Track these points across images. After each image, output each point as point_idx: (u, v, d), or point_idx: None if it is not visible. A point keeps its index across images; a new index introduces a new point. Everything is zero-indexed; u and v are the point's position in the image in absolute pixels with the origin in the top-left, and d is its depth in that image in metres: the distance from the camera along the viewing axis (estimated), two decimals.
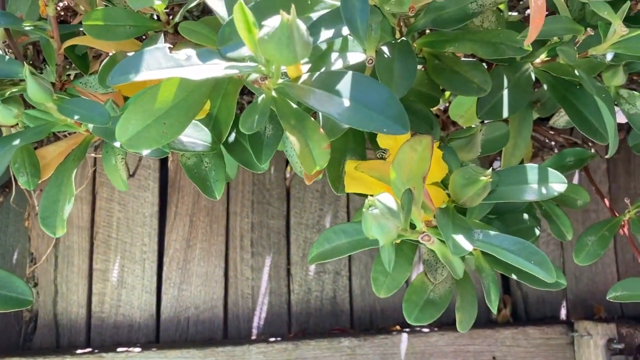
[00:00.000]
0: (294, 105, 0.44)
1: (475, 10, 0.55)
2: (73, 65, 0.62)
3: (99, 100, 0.55)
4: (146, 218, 1.17)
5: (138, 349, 1.08)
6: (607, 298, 0.63)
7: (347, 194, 1.27)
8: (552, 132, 0.84)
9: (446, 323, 1.26)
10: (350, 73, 0.38)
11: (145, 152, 0.50)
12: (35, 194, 0.99)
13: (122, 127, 0.45)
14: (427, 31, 0.60)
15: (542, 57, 0.62)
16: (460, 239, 0.43)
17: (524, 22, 0.65)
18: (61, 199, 0.51)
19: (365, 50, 0.46)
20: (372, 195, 0.44)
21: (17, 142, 0.46)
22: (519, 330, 1.21)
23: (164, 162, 1.20)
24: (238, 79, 0.56)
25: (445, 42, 0.56)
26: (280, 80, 0.42)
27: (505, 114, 0.57)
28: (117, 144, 0.48)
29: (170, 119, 0.46)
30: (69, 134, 0.62)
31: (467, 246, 0.43)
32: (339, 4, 0.41)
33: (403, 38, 0.54)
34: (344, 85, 0.38)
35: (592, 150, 0.75)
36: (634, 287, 0.63)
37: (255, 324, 1.19)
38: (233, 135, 0.60)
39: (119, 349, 1.08)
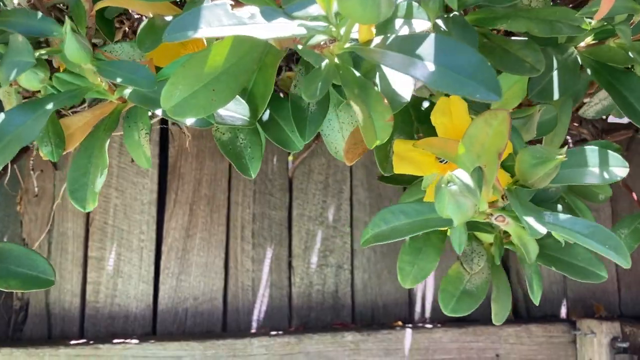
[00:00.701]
0: (357, 74, 0.41)
1: None
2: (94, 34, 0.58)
3: None
4: (144, 205, 1.13)
5: (135, 341, 1.03)
6: None
7: (350, 185, 1.25)
8: (576, 124, 0.82)
9: (450, 320, 1.24)
10: (432, 35, 0.36)
11: (189, 121, 0.46)
12: (35, 174, 0.94)
13: (168, 92, 0.42)
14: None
15: (588, 40, 0.60)
16: (532, 221, 0.41)
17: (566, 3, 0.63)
18: (92, 171, 0.47)
19: (429, 18, 0.43)
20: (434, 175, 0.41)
21: (50, 106, 0.42)
22: (522, 328, 1.19)
23: (163, 147, 1.16)
24: (278, 50, 0.53)
25: (496, 19, 0.53)
26: (347, 45, 0.39)
27: (556, 96, 0.54)
28: (158, 112, 0.45)
29: (219, 84, 0.43)
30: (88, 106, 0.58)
31: (541, 228, 0.41)
32: None
33: (455, 13, 0.52)
34: (427, 48, 0.35)
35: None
36: None
37: (255, 317, 1.15)
38: (267, 112, 0.57)
39: (115, 340, 1.03)
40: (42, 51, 0.46)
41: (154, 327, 1.11)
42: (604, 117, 1.06)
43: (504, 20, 0.53)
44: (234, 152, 0.54)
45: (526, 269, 0.57)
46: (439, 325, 1.18)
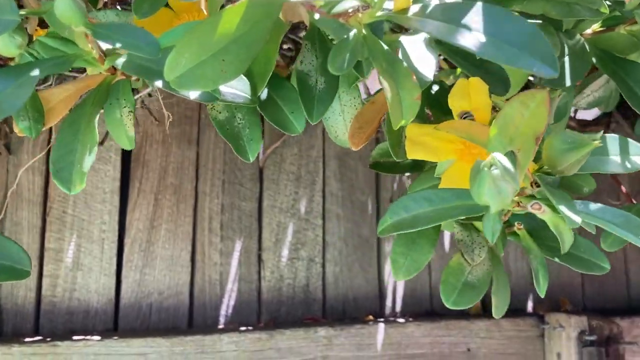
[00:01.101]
0: (385, 47, 0.38)
1: None
2: None
3: None
4: (106, 194, 1.06)
5: (97, 337, 0.97)
6: None
7: (323, 177, 1.22)
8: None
9: (421, 314, 1.23)
10: (479, 4, 0.33)
11: (193, 94, 0.42)
12: None
13: (173, 61, 0.37)
14: None
15: (595, 27, 0.58)
16: (566, 210, 0.39)
17: None
18: (79, 149, 0.42)
19: None
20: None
21: (35, 72, 0.36)
22: (493, 322, 1.19)
23: None
24: (282, 24, 0.49)
25: (512, 1, 0.51)
26: (380, 13, 0.35)
27: (568, 82, 0.53)
28: (158, 84, 0.40)
29: (229, 55, 0.38)
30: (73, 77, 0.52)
31: (577, 218, 0.38)
32: None
33: None
34: (474, 17, 0.32)
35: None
36: None
37: (222, 312, 1.11)
38: (265, 91, 0.53)
39: (75, 337, 0.97)
40: (22, 11, 0.41)
41: (115, 323, 1.04)
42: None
43: (520, 1, 0.50)
44: (231, 133, 0.50)
45: (532, 261, 0.55)
46: (410, 319, 1.16)
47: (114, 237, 1.06)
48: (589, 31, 0.59)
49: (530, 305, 1.33)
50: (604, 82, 0.72)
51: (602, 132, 1.20)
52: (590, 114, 1.19)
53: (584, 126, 1.11)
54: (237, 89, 0.46)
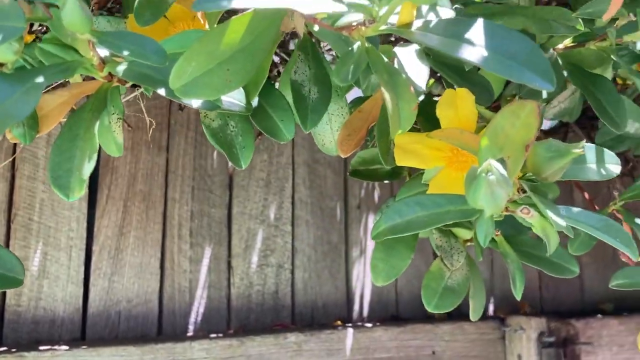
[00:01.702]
0: (386, 59, 0.39)
1: None
2: None
3: None
4: (74, 201, 1.04)
5: (65, 347, 0.95)
6: (609, 286, 0.64)
7: (292, 183, 1.23)
8: None
9: (388, 318, 1.25)
10: (481, 20, 0.35)
11: (196, 103, 0.42)
12: None
13: (179, 70, 0.38)
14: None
15: (566, 42, 0.62)
16: (552, 214, 0.41)
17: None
18: (78, 155, 0.42)
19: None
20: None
21: (40, 79, 0.36)
22: (457, 325, 1.23)
23: None
24: (277, 34, 0.50)
25: (493, 15, 0.54)
26: (384, 27, 0.37)
27: (544, 95, 0.55)
28: (161, 92, 0.41)
29: (235, 64, 0.39)
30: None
31: (562, 222, 0.41)
32: None
33: (457, 6, 0.51)
34: (476, 33, 0.34)
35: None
36: (633, 275, 0.65)
37: (192, 319, 1.10)
38: (256, 99, 0.54)
39: (42, 347, 0.94)
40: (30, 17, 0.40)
41: (83, 332, 1.02)
42: None
43: (501, 16, 0.53)
44: (224, 141, 0.51)
45: (509, 266, 0.58)
46: (378, 324, 1.18)
47: (81, 245, 1.04)
48: (560, 46, 0.62)
49: (491, 309, 1.37)
50: (570, 93, 0.76)
51: (562, 138, 1.24)
52: (546, 124, 1.24)
53: (543, 133, 1.16)
54: (233, 97, 0.47)
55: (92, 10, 0.57)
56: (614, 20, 0.57)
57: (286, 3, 0.33)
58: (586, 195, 0.77)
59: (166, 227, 1.10)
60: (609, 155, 0.50)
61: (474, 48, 0.34)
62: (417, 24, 0.36)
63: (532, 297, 1.42)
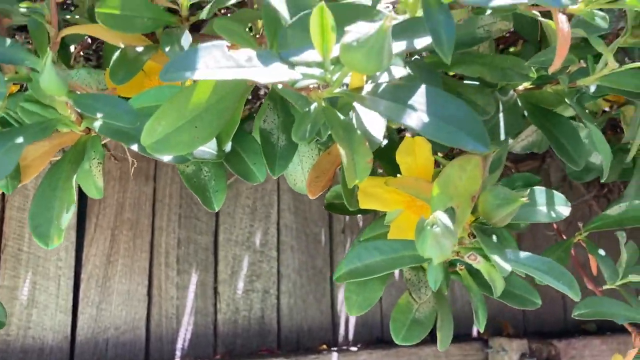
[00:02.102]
0: (342, 117, 0.42)
1: (482, 35, 0.56)
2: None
3: None
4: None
5: None
6: (572, 316, 0.67)
7: (278, 209, 1.26)
8: None
9: (373, 342, 1.27)
10: (424, 86, 0.38)
11: (167, 158, 0.45)
12: None
13: (150, 128, 0.41)
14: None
15: (526, 84, 0.65)
16: (499, 259, 0.44)
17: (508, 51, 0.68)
18: (57, 206, 0.45)
19: (405, 66, 0.46)
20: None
21: (20, 140, 0.39)
22: None
23: None
24: (247, 87, 0.53)
25: (452, 64, 0.57)
26: (338, 90, 0.40)
27: (502, 136, 0.59)
28: (134, 147, 0.44)
29: (202, 122, 0.42)
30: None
31: (507, 266, 0.44)
32: (401, 18, 0.41)
33: (416, 57, 0.54)
34: (419, 99, 0.37)
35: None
36: (594, 305, 0.68)
37: (179, 345, 1.12)
38: (229, 144, 0.57)
39: None
40: (5, 77, 0.44)
41: (71, 359, 1.05)
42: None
43: (459, 65, 0.56)
44: (198, 185, 0.54)
45: (472, 299, 0.61)
46: (363, 348, 1.20)
47: (70, 274, 1.06)
48: (520, 87, 0.65)
49: (475, 330, 1.39)
50: (536, 127, 0.80)
51: (538, 165, 1.27)
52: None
53: (520, 161, 1.19)
54: (205, 146, 0.50)
55: (76, 57, 0.61)
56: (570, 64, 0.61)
57: (244, 74, 0.37)
58: (554, 225, 0.80)
59: (153, 255, 1.13)
60: (559, 197, 0.53)
61: (416, 113, 0.37)
62: (368, 87, 0.40)
63: (515, 318, 1.44)
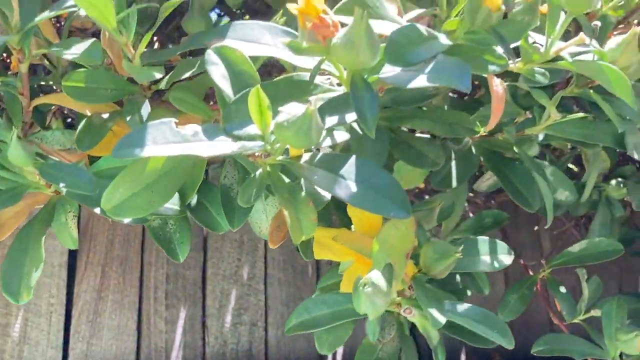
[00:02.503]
0: (287, 180, 0.46)
1: (431, 92, 0.60)
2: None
3: (63, 159, 0.53)
4: (54, 268, 1.11)
5: None
6: (531, 352, 0.70)
7: (265, 242, 1.29)
8: (471, 194, 0.92)
9: None
10: (354, 157, 0.41)
11: (126, 220, 0.49)
12: None
13: (109, 194, 0.45)
14: None
15: (481, 132, 0.69)
16: (435, 312, 0.47)
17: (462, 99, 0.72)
18: (27, 264, 0.48)
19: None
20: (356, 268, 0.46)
21: None
22: None
23: None
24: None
25: (403, 119, 0.61)
26: (280, 157, 0.44)
27: (454, 184, 0.62)
28: (97, 210, 0.47)
29: (158, 187, 0.46)
30: None
31: (442, 319, 0.47)
32: (336, 90, 0.45)
33: None
34: (349, 168, 0.41)
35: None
36: (554, 342, 0.70)
37: None
38: (195, 197, 0.60)
39: None
40: None
41: None
42: None
43: (410, 119, 0.60)
44: (164, 238, 0.57)
45: (430, 340, 0.64)
46: None
47: (61, 310, 1.10)
48: (476, 136, 0.69)
49: (463, 359, 1.41)
50: None
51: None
52: None
53: (498, 191, 1.22)
54: (168, 203, 0.54)
55: (55, 114, 0.65)
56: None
57: (189, 149, 0.40)
58: (522, 261, 0.83)
59: (143, 290, 1.16)
60: (502, 246, 0.56)
61: (346, 182, 0.40)
62: (306, 156, 0.43)
63: (503, 347, 1.46)
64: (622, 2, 0.65)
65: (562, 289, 0.75)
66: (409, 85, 0.39)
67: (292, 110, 0.38)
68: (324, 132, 0.49)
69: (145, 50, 0.53)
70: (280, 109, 0.39)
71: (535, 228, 1.45)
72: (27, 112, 0.51)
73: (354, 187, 0.40)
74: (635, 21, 0.67)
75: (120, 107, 0.54)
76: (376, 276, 0.44)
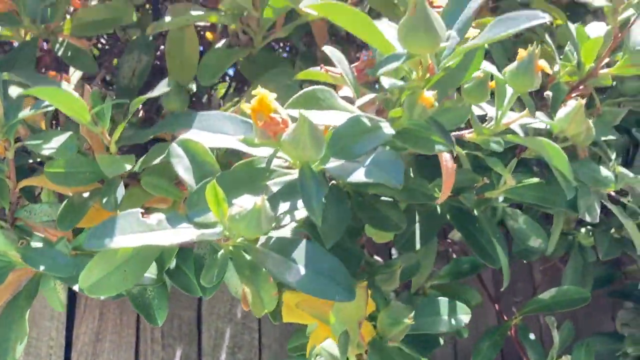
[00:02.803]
0: (248, 257, 0.50)
1: None
2: None
3: (48, 235, 0.58)
4: (54, 312, 1.15)
5: None
6: None
7: None
8: (450, 241, 0.95)
9: None
10: (304, 242, 0.45)
11: (103, 297, 0.53)
12: None
13: (85, 275, 0.49)
14: None
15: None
16: None
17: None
18: (12, 338, 0.53)
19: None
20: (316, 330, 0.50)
21: None
22: None
23: None
24: None
25: (368, 185, 0.65)
26: (239, 240, 0.48)
27: (418, 246, 0.66)
28: (76, 288, 0.52)
29: (130, 267, 0.50)
30: None
31: None
32: (291, 173, 0.49)
33: (333, 182, 0.62)
34: (300, 253, 0.45)
35: None
36: None
37: None
38: (174, 261, 0.65)
39: None
40: None
41: None
42: None
43: (374, 186, 0.64)
44: (143, 305, 0.61)
45: None
46: None
47: (60, 353, 1.14)
48: None
49: None
50: None
51: None
52: None
53: None
54: (146, 273, 0.58)
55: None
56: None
57: (152, 239, 0.44)
58: (496, 306, 0.86)
59: (139, 331, 1.20)
60: (461, 307, 0.59)
61: (296, 267, 0.44)
62: (262, 239, 0.48)
63: None
64: (576, 70, 0.69)
65: (532, 336, 0.78)
66: (348, 179, 0.43)
67: (243, 203, 0.43)
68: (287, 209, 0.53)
69: (126, 125, 0.58)
70: (234, 201, 0.43)
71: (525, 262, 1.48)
72: (14, 193, 0.56)
73: (302, 271, 0.44)
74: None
75: (102, 184, 0.58)
76: (329, 345, 0.47)
